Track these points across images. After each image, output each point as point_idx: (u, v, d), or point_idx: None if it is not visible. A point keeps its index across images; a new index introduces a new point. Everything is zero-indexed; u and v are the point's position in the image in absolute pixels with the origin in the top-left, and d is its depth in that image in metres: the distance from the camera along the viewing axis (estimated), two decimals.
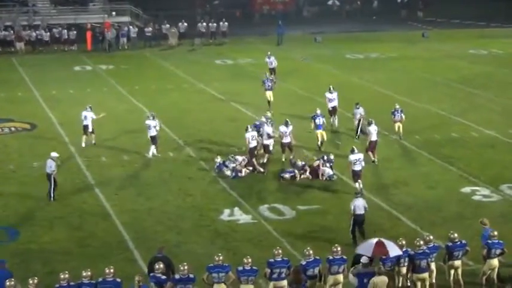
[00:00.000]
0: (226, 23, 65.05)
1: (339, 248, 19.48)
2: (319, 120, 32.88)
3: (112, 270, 18.29)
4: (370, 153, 30.76)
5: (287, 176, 29.47)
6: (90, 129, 33.83)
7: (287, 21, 68.71)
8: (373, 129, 30.84)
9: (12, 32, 60.50)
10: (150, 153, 32.07)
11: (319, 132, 32.91)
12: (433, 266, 20.06)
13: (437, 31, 70.70)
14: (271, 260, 19.12)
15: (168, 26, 63.68)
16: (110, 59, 57.29)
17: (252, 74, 50.26)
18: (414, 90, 44.75)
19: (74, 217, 25.91)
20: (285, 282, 19.13)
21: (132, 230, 24.74)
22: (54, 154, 27.65)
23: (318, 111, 33.23)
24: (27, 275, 19.26)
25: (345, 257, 19.41)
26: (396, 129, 34.01)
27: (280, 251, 19.28)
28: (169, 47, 62.30)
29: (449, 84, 46.85)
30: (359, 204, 23.50)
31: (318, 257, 19.39)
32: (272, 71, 45.55)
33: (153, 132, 31.91)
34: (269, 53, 47.07)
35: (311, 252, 19.36)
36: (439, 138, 34.86)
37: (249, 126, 30.79)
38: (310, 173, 29.64)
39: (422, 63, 54.41)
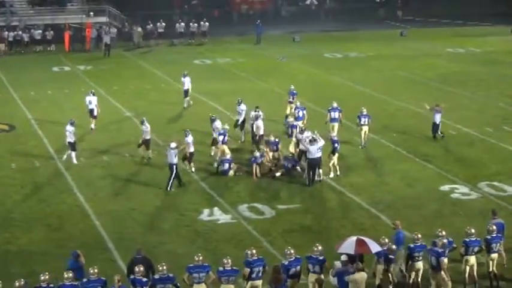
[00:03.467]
0: (207, 23, 65.19)
1: (319, 248, 19.59)
2: (335, 114, 33.85)
3: (96, 270, 18.47)
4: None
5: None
6: (95, 114, 36.55)
7: (265, 21, 68.87)
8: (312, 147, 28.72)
9: None
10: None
11: (331, 125, 33.70)
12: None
13: (415, 30, 71.08)
14: (250, 260, 19.21)
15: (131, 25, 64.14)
16: (88, 59, 57.16)
17: (231, 73, 50.65)
18: (392, 88, 45.06)
19: (53, 218, 25.92)
20: (260, 282, 19.29)
21: (112, 231, 24.78)
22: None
23: (335, 104, 34.25)
24: (6, 276, 19.41)
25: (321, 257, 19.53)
26: (363, 135, 33.19)
27: (254, 251, 19.37)
28: (135, 46, 62.42)
29: (427, 83, 47.20)
30: (313, 149, 25.78)
31: (298, 256, 19.48)
32: (186, 93, 41.13)
33: (147, 136, 31.81)
34: (185, 72, 42.07)
35: (292, 251, 19.45)
36: (417, 136, 35.08)
37: (187, 131, 30.79)
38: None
39: (401, 61, 54.73)
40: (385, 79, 48.44)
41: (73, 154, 31.53)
